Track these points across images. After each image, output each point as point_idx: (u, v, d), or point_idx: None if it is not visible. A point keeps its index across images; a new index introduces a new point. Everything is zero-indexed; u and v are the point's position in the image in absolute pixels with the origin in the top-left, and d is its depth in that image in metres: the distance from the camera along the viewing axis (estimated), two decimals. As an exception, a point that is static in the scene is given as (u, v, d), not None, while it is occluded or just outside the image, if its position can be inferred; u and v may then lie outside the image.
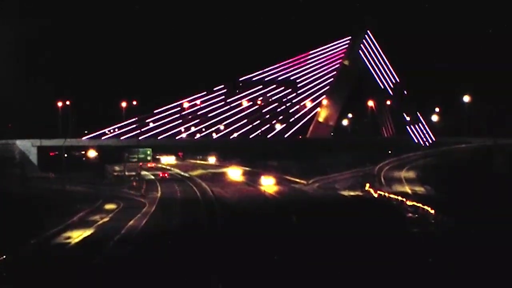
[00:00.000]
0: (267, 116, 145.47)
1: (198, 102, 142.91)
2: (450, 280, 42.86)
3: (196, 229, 64.48)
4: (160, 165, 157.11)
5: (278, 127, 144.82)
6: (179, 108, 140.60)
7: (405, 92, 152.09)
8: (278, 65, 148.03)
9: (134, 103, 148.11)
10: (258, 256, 50.36)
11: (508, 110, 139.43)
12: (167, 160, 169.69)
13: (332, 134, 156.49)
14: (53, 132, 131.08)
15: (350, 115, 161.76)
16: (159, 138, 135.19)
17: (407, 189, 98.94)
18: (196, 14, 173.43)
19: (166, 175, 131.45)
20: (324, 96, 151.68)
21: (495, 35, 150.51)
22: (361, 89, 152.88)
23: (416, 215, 72.24)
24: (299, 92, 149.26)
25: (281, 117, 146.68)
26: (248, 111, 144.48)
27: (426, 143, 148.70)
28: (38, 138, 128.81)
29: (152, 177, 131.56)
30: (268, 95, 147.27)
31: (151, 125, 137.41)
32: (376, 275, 43.82)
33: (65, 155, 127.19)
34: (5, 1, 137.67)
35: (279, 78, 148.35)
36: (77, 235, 64.31)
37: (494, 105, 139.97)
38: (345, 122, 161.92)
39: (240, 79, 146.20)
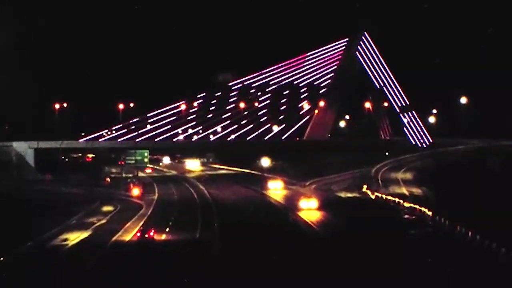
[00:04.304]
0: (265, 118, 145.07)
1: (195, 104, 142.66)
2: (446, 281, 43.06)
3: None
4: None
5: (276, 129, 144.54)
6: (176, 110, 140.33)
7: (402, 93, 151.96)
8: (276, 66, 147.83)
9: (132, 105, 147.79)
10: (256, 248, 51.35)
11: (504, 111, 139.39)
12: (192, 165, 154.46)
13: (329, 135, 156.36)
14: (50, 134, 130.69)
15: (347, 117, 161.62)
16: (156, 140, 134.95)
17: (404, 190, 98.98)
18: (194, 15, 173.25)
19: (151, 170, 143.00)
20: (321, 98, 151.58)
21: (495, 35, 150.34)
22: (358, 90, 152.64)
23: (413, 217, 72.37)
24: (296, 94, 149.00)
25: (278, 119, 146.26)
26: (245, 113, 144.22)
27: (423, 144, 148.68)
28: (35, 140, 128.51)
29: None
30: (265, 96, 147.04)
31: (148, 127, 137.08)
32: (372, 276, 44.05)
33: (63, 157, 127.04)
34: (1, 3, 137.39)
35: (277, 80, 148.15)
36: (74, 237, 64.28)
37: (491, 106, 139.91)
38: (342, 123, 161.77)
39: (238, 80, 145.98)
